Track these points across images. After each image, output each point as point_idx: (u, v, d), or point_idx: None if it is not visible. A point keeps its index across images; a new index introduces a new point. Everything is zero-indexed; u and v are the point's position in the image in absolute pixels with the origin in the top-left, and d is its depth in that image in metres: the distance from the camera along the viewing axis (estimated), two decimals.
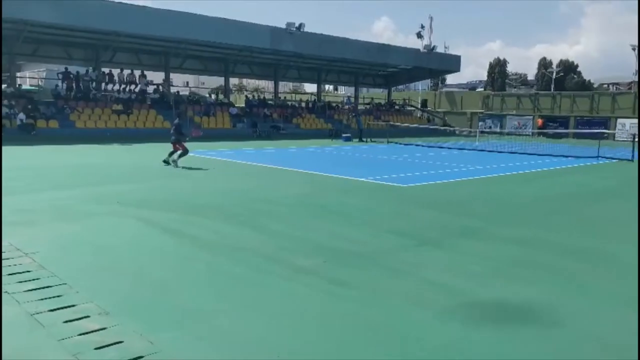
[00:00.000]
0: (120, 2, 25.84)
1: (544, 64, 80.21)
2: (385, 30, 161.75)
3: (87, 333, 3.88)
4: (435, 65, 42.44)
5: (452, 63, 44.23)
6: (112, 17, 25.13)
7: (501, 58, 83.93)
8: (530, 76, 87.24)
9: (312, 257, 5.85)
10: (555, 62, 77.79)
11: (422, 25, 46.18)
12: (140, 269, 5.48)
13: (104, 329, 3.95)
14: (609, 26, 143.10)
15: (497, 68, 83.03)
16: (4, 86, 29.13)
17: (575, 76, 79.20)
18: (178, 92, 35.30)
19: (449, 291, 4.89)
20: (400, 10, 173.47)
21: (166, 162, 14.54)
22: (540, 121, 41.28)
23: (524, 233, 7.35)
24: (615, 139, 37.32)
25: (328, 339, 3.89)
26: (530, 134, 41.97)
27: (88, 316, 4.18)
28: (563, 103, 44.58)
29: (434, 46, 41.56)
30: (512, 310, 4.52)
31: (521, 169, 16.64)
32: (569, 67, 79.14)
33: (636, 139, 22.19)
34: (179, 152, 14.53)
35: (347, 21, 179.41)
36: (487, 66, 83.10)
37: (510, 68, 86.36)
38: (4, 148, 18.72)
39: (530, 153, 23.19)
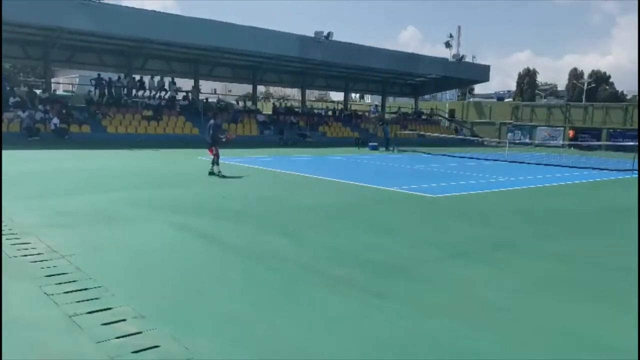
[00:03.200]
0: (154, 11, 26.42)
1: (575, 74, 78.88)
2: (411, 39, 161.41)
3: (124, 336, 3.90)
4: (464, 74, 42.11)
5: (481, 73, 43.80)
6: (146, 25, 25.67)
7: (530, 68, 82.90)
8: (560, 87, 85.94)
9: (347, 268, 5.79)
10: (586, 73, 76.47)
11: (450, 34, 46.22)
12: (175, 273, 5.51)
13: (140, 332, 3.98)
14: None
15: (527, 78, 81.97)
16: (39, 91, 29.99)
17: (607, 87, 77.66)
18: (207, 99, 35.75)
19: (490, 306, 4.77)
20: (426, 20, 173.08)
21: (211, 173, 13.85)
22: (571, 132, 40.48)
23: (560, 248, 7.16)
24: None
25: (365, 350, 3.82)
26: (561, 145, 41.23)
27: (125, 319, 4.21)
28: (595, 114, 43.67)
29: (462, 56, 41.28)
30: (556, 330, 4.38)
31: (553, 181, 16.31)
32: (600, 78, 77.67)
33: None
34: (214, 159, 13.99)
35: (374, 31, 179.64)
36: (515, 76, 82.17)
37: (540, 78, 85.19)
38: (41, 151, 19.30)
39: (562, 165, 22.76)
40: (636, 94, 74.62)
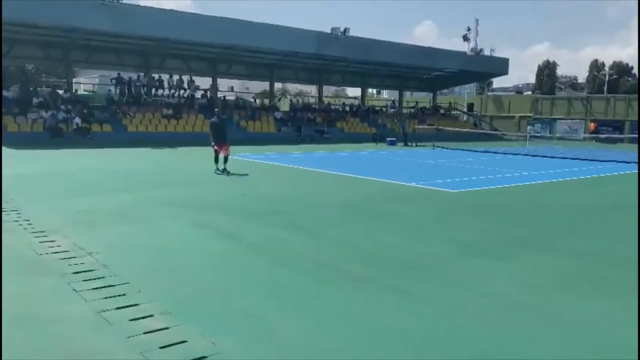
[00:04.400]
0: (172, 10, 26.63)
1: (596, 66, 77.47)
2: (427, 34, 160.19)
3: (151, 332, 3.98)
4: (483, 68, 41.65)
5: (500, 66, 43.24)
6: (164, 25, 25.88)
7: (546, 60, 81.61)
8: (580, 79, 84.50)
9: (368, 265, 5.81)
10: (607, 64, 75.07)
11: (468, 27, 45.38)
12: (198, 271, 5.60)
13: (167, 328, 4.05)
14: None
15: (546, 71, 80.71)
16: (60, 92, 30.50)
17: (629, 79, 76.14)
18: (224, 97, 35.97)
19: (514, 305, 4.74)
20: (442, 14, 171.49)
21: (223, 170, 13.81)
22: (593, 125, 39.80)
23: (583, 245, 7.05)
24: None
25: (391, 350, 3.84)
26: (582, 138, 40.60)
27: (151, 315, 4.29)
28: (618, 106, 42.88)
29: (481, 49, 40.88)
30: (587, 329, 4.33)
31: (574, 175, 16.09)
32: (622, 69, 76.18)
33: None
34: (220, 155, 13.79)
35: (389, 25, 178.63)
36: (533, 69, 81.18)
37: (559, 71, 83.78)
38: (64, 150, 19.66)
39: (583, 158, 22.42)
40: None
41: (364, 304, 4.69)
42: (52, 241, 6.45)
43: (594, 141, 38.29)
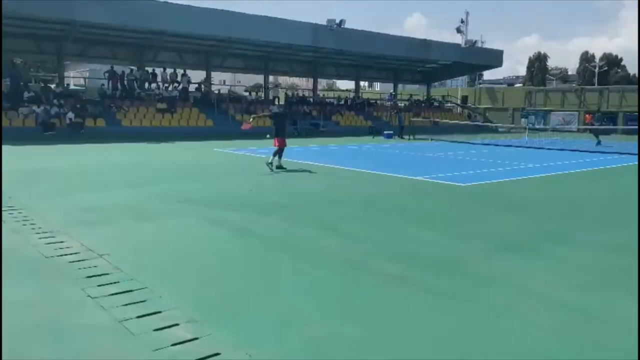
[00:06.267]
0: (167, 2, 26.07)
1: (586, 58, 77.66)
2: (417, 26, 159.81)
3: (180, 343, 3.68)
4: (477, 60, 41.51)
5: (494, 58, 43.10)
6: (159, 17, 25.42)
7: (537, 52, 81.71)
8: (571, 71, 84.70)
9: (398, 263, 5.53)
10: (597, 56, 75.28)
11: (462, 19, 45.09)
12: (220, 271, 5.30)
13: (196, 338, 3.75)
14: None
15: (537, 63, 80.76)
16: (52, 86, 29.88)
17: (619, 70, 76.45)
18: (219, 90, 35.49)
19: (560, 305, 4.49)
20: (432, 6, 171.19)
21: (279, 167, 13.22)
22: (588, 117, 39.74)
23: (613, 238, 6.82)
24: None
25: (442, 354, 3.59)
26: (576, 130, 40.58)
27: (177, 324, 3.99)
28: (611, 98, 42.93)
29: (475, 41, 40.60)
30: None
31: (581, 166, 15.93)
32: (612, 61, 76.45)
33: None
34: (276, 149, 13.24)
35: (379, 18, 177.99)
36: (523, 61, 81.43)
37: (549, 63, 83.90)
38: (58, 146, 19.18)
39: (583, 150, 22.31)
40: None
41: (404, 307, 4.40)
42: (59, 242, 6.11)
43: (589, 133, 38.26)
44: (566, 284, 4.99)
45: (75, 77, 49.25)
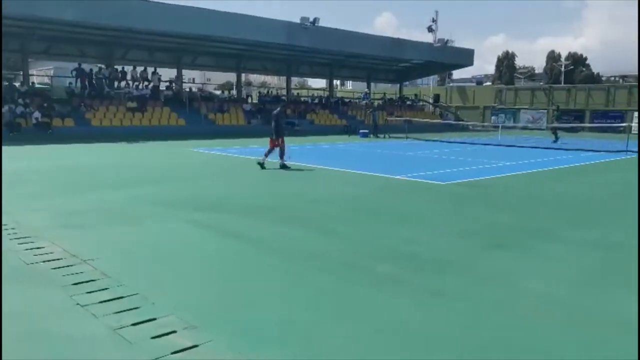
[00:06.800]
0: None
1: (553, 57, 79.53)
2: (387, 25, 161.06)
3: (181, 351, 3.54)
4: (449, 59, 41.98)
5: (465, 57, 43.69)
6: (128, 14, 24.81)
7: (505, 51, 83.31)
8: (538, 69, 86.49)
9: (390, 263, 5.49)
10: (563, 55, 77.12)
11: (433, 19, 45.53)
12: (212, 275, 5.16)
13: (196, 346, 3.62)
14: (612, 19, 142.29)
15: (505, 61, 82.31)
16: (17, 84, 28.92)
17: (584, 69, 78.52)
18: (190, 88, 34.99)
19: (553, 301, 4.52)
20: (401, 5, 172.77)
21: (283, 166, 13.47)
22: None
23: (597, 235, 6.93)
24: (632, 132, 36.78)
25: (444, 354, 3.55)
26: (545, 128, 41.45)
27: (175, 331, 3.85)
28: (578, 96, 44.03)
29: (447, 40, 41.05)
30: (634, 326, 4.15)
31: (554, 164, 16.24)
32: (577, 60, 78.47)
33: None
34: (276, 149, 13.46)
35: (349, 17, 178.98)
36: (491, 60, 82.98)
37: (517, 61, 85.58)
38: (25, 147, 18.53)
39: (555, 148, 22.79)
40: (612, 75, 75.88)
41: (402, 308, 4.35)
42: (40, 248, 5.85)
43: (558, 130, 39.08)
44: (557, 281, 5.04)
45: (39, 75, 47.72)
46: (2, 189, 8.78)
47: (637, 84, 44.13)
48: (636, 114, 39.49)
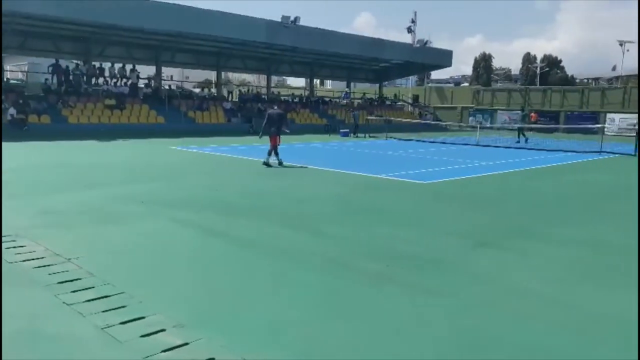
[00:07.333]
0: None
1: (528, 58, 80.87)
2: (367, 26, 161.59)
3: (171, 349, 3.54)
4: (428, 60, 42.31)
5: (444, 58, 44.07)
6: (106, 10, 24.36)
7: (482, 52, 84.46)
8: (514, 71, 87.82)
9: (378, 261, 5.54)
10: (538, 58, 78.46)
11: (412, 19, 45.88)
12: (197, 275, 5.14)
13: (186, 344, 3.62)
14: (585, 22, 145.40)
15: (483, 63, 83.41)
16: None
17: (558, 71, 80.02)
18: (170, 86, 34.63)
19: (541, 298, 4.62)
20: (380, 5, 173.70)
21: (280, 163, 13.89)
22: (534, 115, 41.41)
23: (580, 234, 7.09)
24: (605, 133, 37.63)
25: (440, 352, 3.61)
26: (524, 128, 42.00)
27: (164, 329, 3.84)
28: (553, 98, 44.86)
29: (426, 41, 41.40)
30: (618, 320, 4.26)
31: (533, 164, 16.55)
32: (552, 62, 79.94)
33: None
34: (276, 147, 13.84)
35: (328, 17, 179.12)
36: (468, 61, 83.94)
37: (493, 63, 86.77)
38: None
39: (530, 148, 23.18)
40: (585, 78, 77.49)
41: (392, 305, 4.40)
42: (21, 247, 5.76)
43: (533, 131, 39.78)
44: (543, 278, 5.15)
45: (13, 70, 46.59)
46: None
47: (609, 86, 45.22)
48: (609, 115, 40.52)
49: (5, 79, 29.31)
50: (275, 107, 15.11)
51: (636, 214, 8.26)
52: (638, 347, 3.63)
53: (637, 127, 29.71)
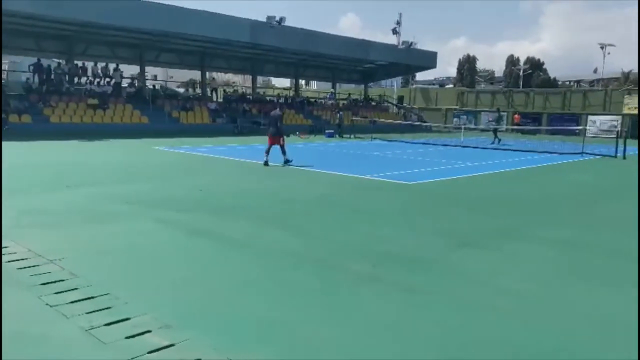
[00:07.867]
0: None
1: (512, 61, 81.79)
2: (352, 26, 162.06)
3: (157, 350, 3.51)
4: (413, 61, 42.54)
5: (429, 59, 44.34)
6: (88, 8, 24.09)
7: (466, 54, 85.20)
8: (497, 73, 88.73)
9: (366, 262, 5.55)
10: (521, 60, 79.40)
11: (397, 21, 46.09)
12: (183, 275, 5.09)
13: (172, 345, 3.59)
14: (567, 25, 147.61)
15: (467, 64, 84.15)
16: None
17: (541, 73, 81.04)
18: (154, 86, 34.35)
19: (525, 298, 4.67)
20: (365, 6, 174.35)
21: (287, 161, 14.23)
22: (517, 117, 41.92)
23: (563, 234, 7.16)
24: (587, 135, 38.19)
25: (428, 352, 3.63)
26: (504, 129, 42.55)
27: (149, 330, 3.80)
28: (536, 100, 45.43)
29: (411, 42, 41.61)
30: (602, 319, 4.31)
31: (518, 165, 16.73)
32: (535, 65, 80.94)
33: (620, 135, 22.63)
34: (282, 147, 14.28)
35: (314, 18, 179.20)
36: (453, 62, 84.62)
37: (477, 64, 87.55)
38: None
39: (514, 149, 23.42)
40: (567, 80, 78.64)
41: (380, 305, 4.41)
42: (4, 247, 5.66)
43: (517, 132, 40.24)
44: (526, 278, 5.20)
45: None
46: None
47: (590, 88, 45.92)
48: (591, 117, 41.11)
49: None
50: (277, 110, 15.51)
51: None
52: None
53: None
